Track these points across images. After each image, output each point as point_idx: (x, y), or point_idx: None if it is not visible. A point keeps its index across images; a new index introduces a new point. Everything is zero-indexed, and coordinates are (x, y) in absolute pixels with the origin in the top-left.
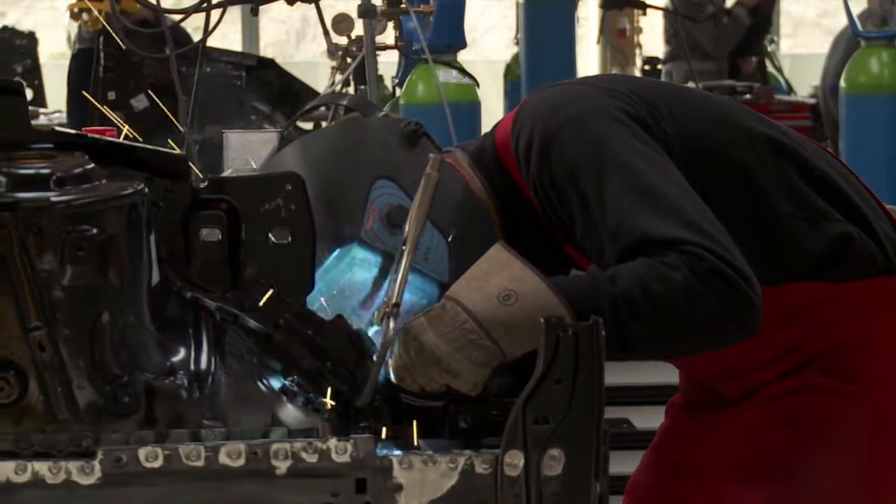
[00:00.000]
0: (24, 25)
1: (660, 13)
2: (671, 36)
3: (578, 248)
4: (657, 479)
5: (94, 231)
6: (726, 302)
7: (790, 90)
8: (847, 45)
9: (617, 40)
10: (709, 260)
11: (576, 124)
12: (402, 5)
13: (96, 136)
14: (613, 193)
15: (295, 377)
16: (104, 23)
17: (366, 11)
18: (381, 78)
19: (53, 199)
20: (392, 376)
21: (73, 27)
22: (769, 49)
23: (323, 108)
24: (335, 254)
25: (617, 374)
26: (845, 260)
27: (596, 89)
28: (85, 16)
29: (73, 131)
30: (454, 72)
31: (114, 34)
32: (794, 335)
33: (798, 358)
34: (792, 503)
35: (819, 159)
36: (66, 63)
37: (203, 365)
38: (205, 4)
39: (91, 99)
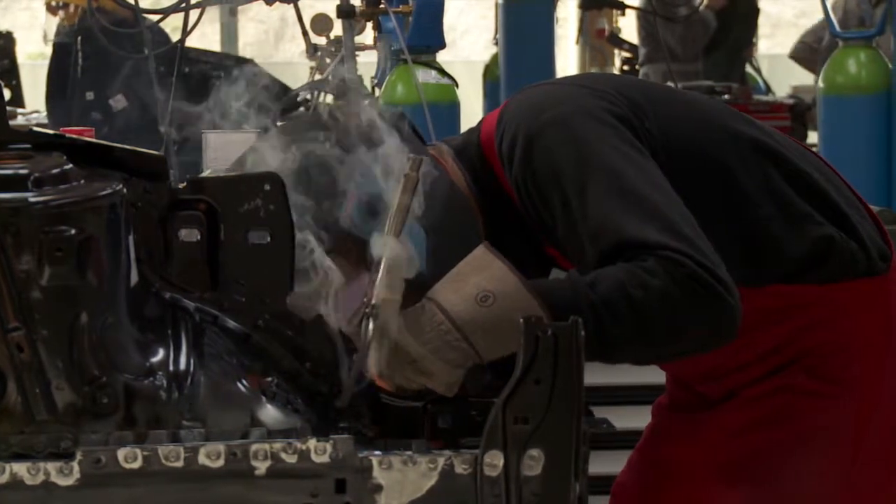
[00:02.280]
0: (0, 26)
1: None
2: (644, 38)
3: (559, 248)
4: (640, 480)
5: (73, 231)
6: (704, 308)
7: (768, 90)
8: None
9: (596, 40)
10: (688, 266)
11: (560, 125)
12: (381, 5)
13: (74, 136)
14: (595, 195)
15: (274, 378)
16: (88, 10)
17: (345, 12)
18: (360, 78)
19: (31, 199)
20: (370, 374)
21: (51, 24)
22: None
23: (302, 109)
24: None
25: (596, 375)
26: (826, 262)
27: (581, 89)
28: (62, 13)
29: (51, 132)
30: (433, 72)
31: (95, 29)
32: (776, 336)
33: (779, 359)
34: None
35: (802, 160)
36: (43, 63)
37: (182, 365)
38: (183, 4)
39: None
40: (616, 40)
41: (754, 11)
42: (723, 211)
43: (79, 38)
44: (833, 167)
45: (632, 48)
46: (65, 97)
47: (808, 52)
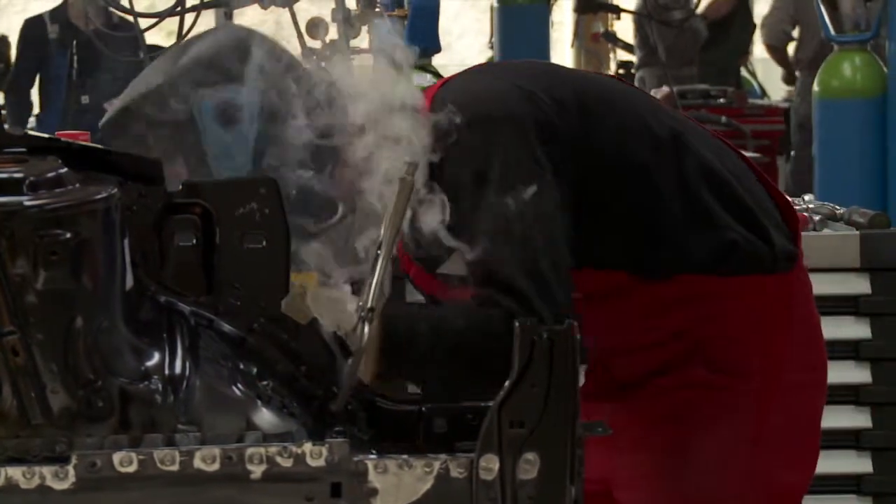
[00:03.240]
0: None
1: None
2: (640, 42)
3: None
4: None
5: (68, 235)
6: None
7: (764, 94)
8: None
9: (591, 44)
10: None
11: (482, 131)
12: (377, 9)
13: (70, 140)
14: (485, 214)
15: (269, 381)
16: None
17: (340, 16)
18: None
19: (26, 203)
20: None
21: None
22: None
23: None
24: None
25: None
26: (728, 260)
27: (516, 90)
28: None
29: (46, 135)
30: (429, 76)
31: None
32: (677, 322)
33: (681, 346)
34: (680, 494)
35: (719, 160)
36: None
37: (177, 369)
38: (179, 8)
39: None
40: (611, 38)
41: (750, 22)
42: (634, 209)
43: (74, 43)
44: (754, 164)
45: (627, 47)
46: (32, 76)
47: (784, 42)
